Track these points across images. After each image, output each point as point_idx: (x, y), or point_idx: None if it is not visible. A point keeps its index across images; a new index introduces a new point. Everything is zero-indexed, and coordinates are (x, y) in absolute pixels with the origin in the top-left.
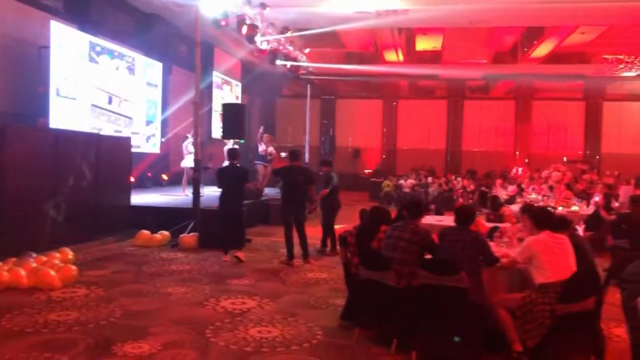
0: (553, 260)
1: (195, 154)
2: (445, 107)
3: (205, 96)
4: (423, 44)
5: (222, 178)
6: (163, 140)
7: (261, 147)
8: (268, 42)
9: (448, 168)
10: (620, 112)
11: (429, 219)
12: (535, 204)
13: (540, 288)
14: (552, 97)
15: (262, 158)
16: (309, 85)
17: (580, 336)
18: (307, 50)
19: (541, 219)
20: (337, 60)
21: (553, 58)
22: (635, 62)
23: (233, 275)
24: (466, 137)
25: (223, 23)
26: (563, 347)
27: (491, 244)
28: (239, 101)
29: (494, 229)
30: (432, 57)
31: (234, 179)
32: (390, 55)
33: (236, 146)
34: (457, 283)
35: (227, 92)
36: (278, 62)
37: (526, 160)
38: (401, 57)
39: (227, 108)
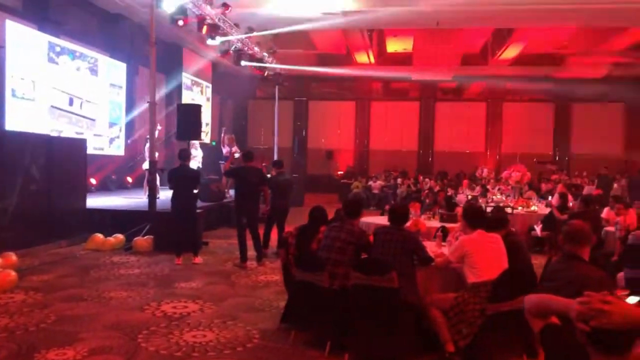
0: (485, 260)
1: (151, 155)
2: (418, 108)
3: (174, 97)
4: (394, 46)
5: (172, 179)
6: (129, 142)
7: (225, 149)
8: (232, 42)
9: (420, 169)
10: (588, 114)
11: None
12: (500, 204)
13: (472, 288)
14: (522, 99)
15: (227, 159)
16: (277, 87)
17: (511, 336)
18: (274, 51)
19: (474, 218)
20: (309, 61)
21: (522, 60)
22: (601, 64)
23: (182, 279)
24: (438, 139)
25: (181, 23)
26: (494, 346)
27: (432, 243)
28: (210, 103)
29: (440, 228)
30: (403, 59)
31: (184, 180)
32: (362, 57)
33: (198, 145)
34: (388, 283)
35: (197, 93)
36: (243, 63)
37: (497, 157)
38: (372, 59)
39: (183, 108)
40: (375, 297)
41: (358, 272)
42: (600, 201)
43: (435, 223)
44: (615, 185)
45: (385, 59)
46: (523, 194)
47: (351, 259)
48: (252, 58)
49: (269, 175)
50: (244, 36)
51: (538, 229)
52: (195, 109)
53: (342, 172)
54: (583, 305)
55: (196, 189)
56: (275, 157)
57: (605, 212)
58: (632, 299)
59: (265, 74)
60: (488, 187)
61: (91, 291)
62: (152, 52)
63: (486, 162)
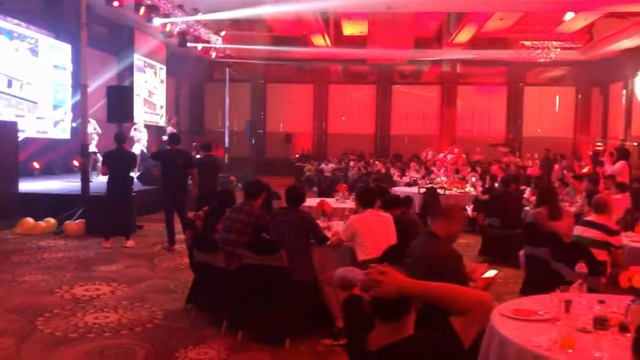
0: (373, 238)
1: (83, 139)
2: (375, 92)
3: (126, 79)
4: (350, 29)
5: (106, 162)
6: (74, 125)
7: (168, 130)
8: (175, 24)
9: (377, 152)
10: (540, 97)
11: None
12: (436, 186)
13: (361, 265)
14: (475, 83)
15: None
16: (227, 69)
17: None
18: (222, 33)
19: (364, 198)
20: (264, 44)
21: (476, 44)
22: (551, 47)
23: (103, 262)
24: (394, 122)
25: (116, 3)
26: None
27: (340, 222)
28: (164, 85)
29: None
30: (360, 42)
31: (119, 163)
32: (318, 40)
33: (142, 128)
34: (277, 262)
35: (150, 75)
36: (189, 45)
37: (451, 140)
38: (329, 42)
39: (113, 90)
40: (265, 276)
41: (250, 252)
42: (525, 182)
43: None
44: (556, 166)
45: (342, 41)
46: (466, 176)
47: (249, 239)
48: (198, 40)
49: (198, 156)
50: (188, 18)
51: (469, 209)
52: (126, 91)
53: (297, 156)
54: (365, 276)
55: (132, 172)
56: (227, 141)
57: (528, 193)
58: (490, 273)
59: (213, 56)
60: (433, 169)
61: (5, 275)
62: (83, 34)
63: (441, 145)
